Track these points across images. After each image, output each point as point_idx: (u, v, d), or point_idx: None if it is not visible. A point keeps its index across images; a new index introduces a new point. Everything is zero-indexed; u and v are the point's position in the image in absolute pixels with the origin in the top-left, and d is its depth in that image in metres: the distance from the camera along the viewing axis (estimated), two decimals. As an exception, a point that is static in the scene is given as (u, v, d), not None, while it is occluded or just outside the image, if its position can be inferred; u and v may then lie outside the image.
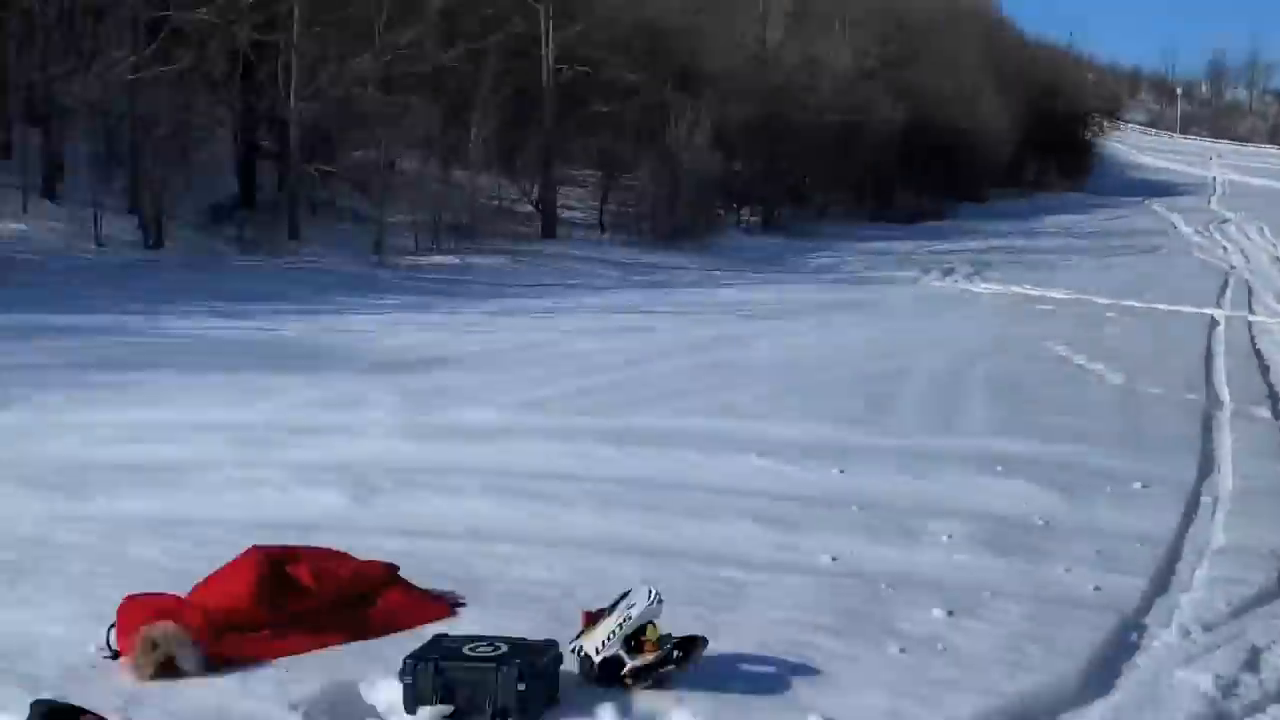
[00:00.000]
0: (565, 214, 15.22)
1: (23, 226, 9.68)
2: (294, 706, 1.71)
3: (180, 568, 2.40)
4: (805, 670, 2.09)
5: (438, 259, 12.11)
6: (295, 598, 2.12)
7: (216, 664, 1.87)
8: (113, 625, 1.96)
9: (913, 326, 8.78)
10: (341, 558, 2.43)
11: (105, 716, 1.53)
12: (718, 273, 13.38)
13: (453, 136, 13.36)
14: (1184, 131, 56.50)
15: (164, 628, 1.89)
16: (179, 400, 5.31)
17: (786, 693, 1.98)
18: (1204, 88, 59.38)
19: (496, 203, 14.23)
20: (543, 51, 13.42)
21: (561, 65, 13.49)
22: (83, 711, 1.53)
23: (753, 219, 17.80)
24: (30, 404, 4.94)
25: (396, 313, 9.10)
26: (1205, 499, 3.72)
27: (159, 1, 10.54)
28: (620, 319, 9.04)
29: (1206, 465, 4.26)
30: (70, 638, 1.99)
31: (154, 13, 10.59)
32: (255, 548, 2.19)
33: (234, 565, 2.12)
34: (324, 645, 2.04)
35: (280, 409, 5.12)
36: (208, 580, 2.13)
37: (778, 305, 10.47)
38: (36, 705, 1.52)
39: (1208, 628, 2.42)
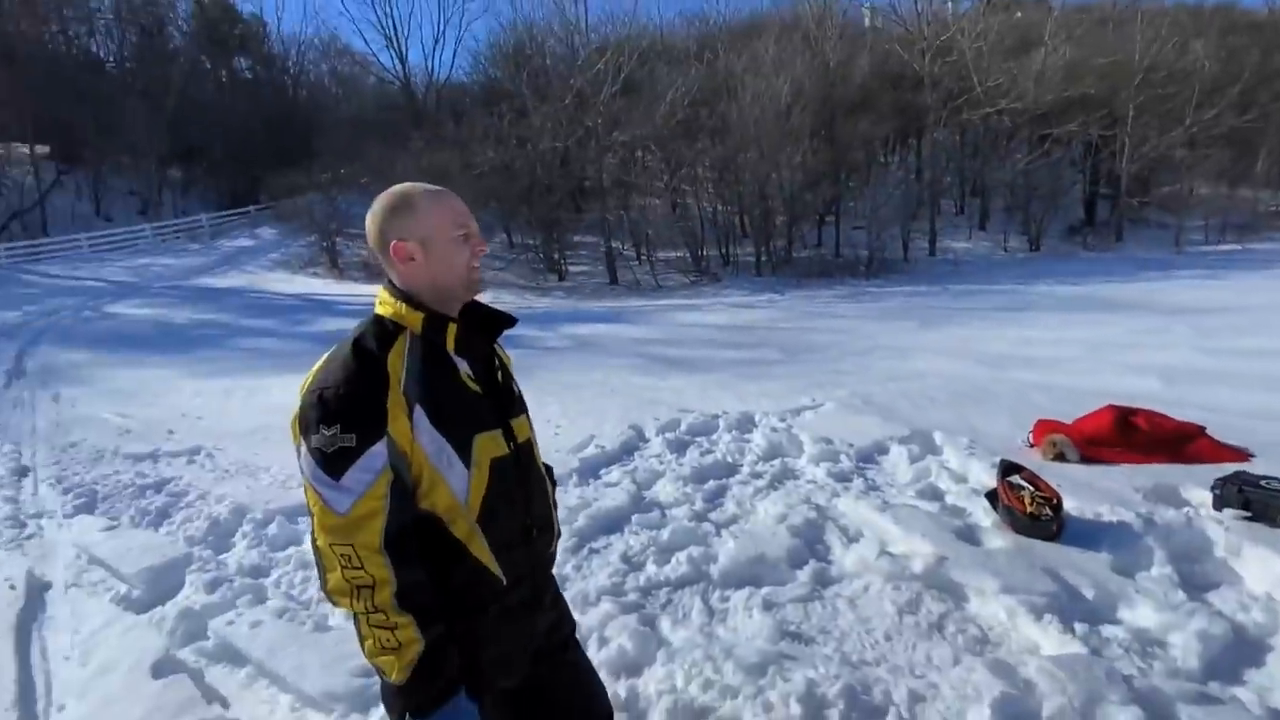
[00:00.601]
0: None
1: (969, 245, 19.45)
2: (1136, 489, 3.39)
3: (1059, 409, 4.43)
4: None
5: (1223, 247, 17.25)
6: (1134, 433, 3.78)
7: (1087, 460, 3.76)
8: (1030, 431, 4.15)
9: None
10: (1164, 417, 3.91)
11: (1036, 474, 3.38)
12: None
13: (1242, 168, 19.73)
14: None
15: (1059, 436, 3.90)
16: (1045, 325, 8.60)
17: None
18: None
19: (1273, 208, 20.12)
20: None
21: None
22: (1023, 468, 3.20)
23: None
24: (977, 325, 8.94)
25: (1185, 281, 11.82)
26: None
27: (1039, 123, 19.16)
28: None
29: None
30: (1008, 433, 4.29)
31: (1039, 131, 19.43)
32: (1110, 405, 3.97)
33: (1098, 412, 3.97)
34: (1151, 462, 3.63)
35: (1110, 334, 7.69)
36: (1082, 418, 4.06)
37: None
38: (1003, 461, 3.35)
39: None
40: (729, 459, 4.19)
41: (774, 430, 4.60)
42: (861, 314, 10.68)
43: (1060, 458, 3.76)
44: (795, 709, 1.97)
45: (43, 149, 26.44)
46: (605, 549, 3.14)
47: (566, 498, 3.67)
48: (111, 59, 31.20)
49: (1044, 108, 18.49)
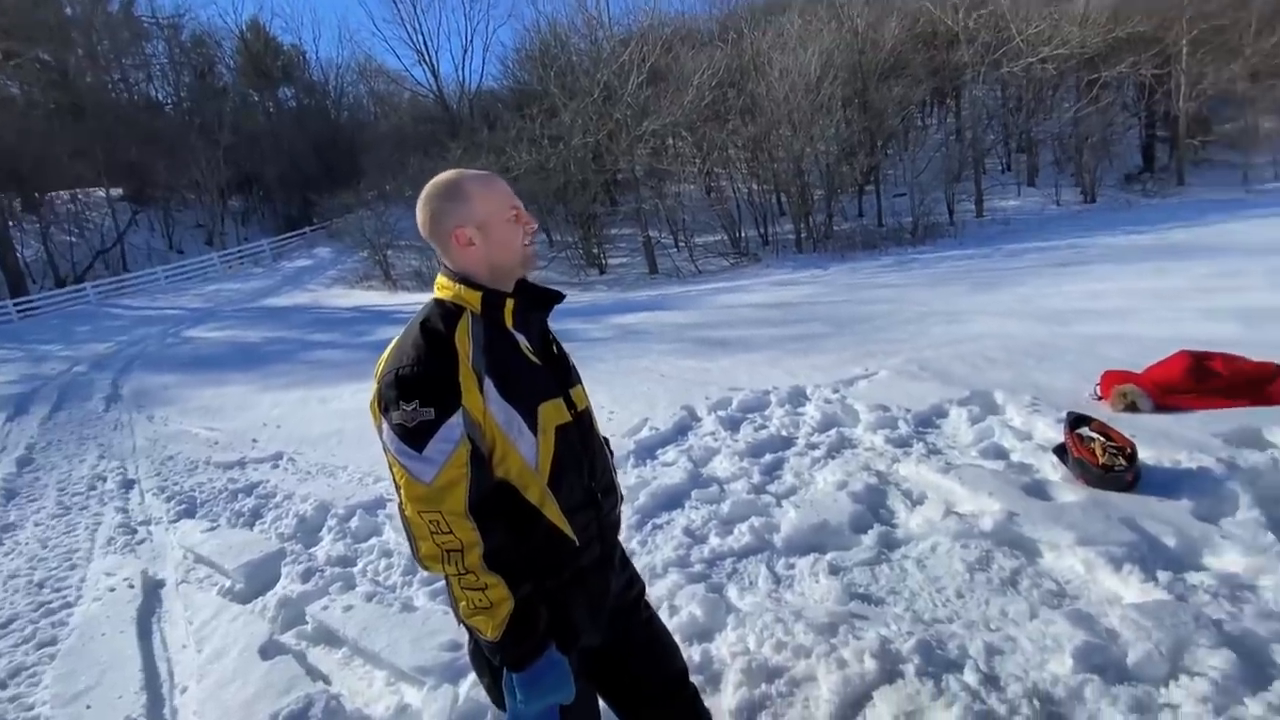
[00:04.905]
0: None
1: (1019, 203, 18.74)
2: (1215, 435, 3.22)
3: (1132, 360, 4.24)
4: None
5: None
6: (1212, 378, 3.60)
7: (1161, 409, 3.61)
8: (1097, 383, 3.99)
9: None
10: (1243, 359, 3.71)
11: (1107, 425, 3.23)
12: None
13: None
14: None
15: (1129, 386, 3.75)
16: (1114, 277, 8.28)
17: None
18: None
19: None
20: None
21: None
22: (1092, 419, 3.02)
23: None
24: (1035, 282, 8.58)
25: (1258, 220, 11.50)
26: None
27: (1086, 68, 18.57)
28: None
29: None
30: (1073, 388, 4.14)
31: (1086, 76, 18.81)
32: (1184, 350, 3.79)
33: (1170, 358, 3.79)
34: (1231, 405, 3.46)
35: (1180, 281, 7.36)
36: (1154, 365, 3.89)
37: None
38: (1070, 413, 3.16)
39: None
40: (784, 433, 4.19)
41: (827, 402, 4.57)
42: (910, 281, 10.40)
43: (1132, 408, 3.61)
44: (870, 664, 1.99)
45: (116, 191, 28.33)
46: (668, 524, 3.21)
47: (625, 478, 3.76)
48: (169, 101, 33.08)
49: (1091, 51, 17.50)
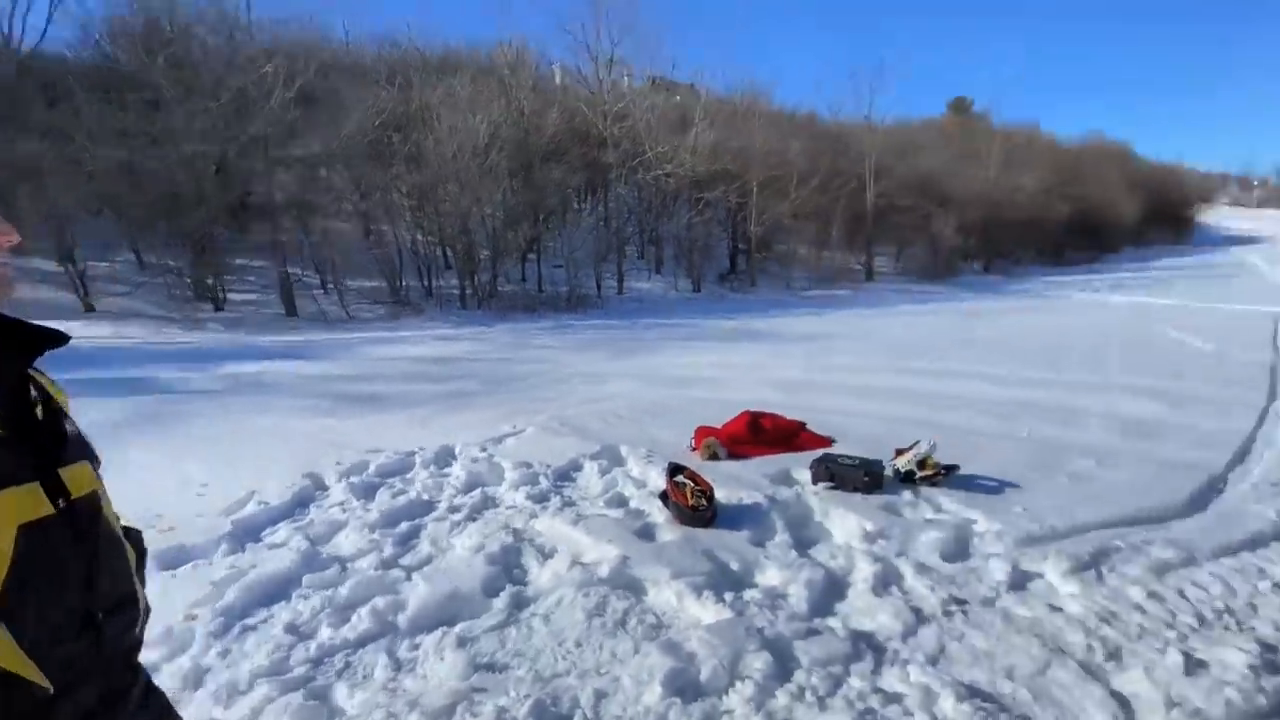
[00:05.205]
0: (878, 269, 28.47)
1: (649, 285, 21.91)
2: (765, 476, 4.25)
3: (718, 417, 5.28)
4: (1011, 485, 3.74)
5: (815, 292, 22.43)
6: (763, 432, 4.73)
7: (733, 457, 4.59)
8: (692, 437, 4.89)
9: (1073, 318, 13.25)
10: (782, 417, 4.98)
11: (696, 472, 4.14)
12: (959, 294, 22.03)
13: (824, 236, 26.70)
14: (1261, 206, 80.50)
15: (712, 439, 4.68)
16: (713, 351, 10.24)
17: (1001, 494, 3.69)
18: (1271, 181, 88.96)
19: (844, 265, 27.69)
20: (867, 193, 27.43)
21: (876, 198, 27.51)
22: (686, 468, 3.99)
23: (978, 266, 31.57)
24: (659, 353, 10.25)
25: (797, 316, 15.77)
26: (1270, 414, 5.52)
27: (696, 188, 23.04)
28: (906, 317, 14.84)
29: (1272, 394, 6.20)
30: (677, 441, 5.00)
31: (695, 194, 23.32)
32: (746, 410, 4.89)
33: (738, 417, 4.86)
34: (775, 453, 4.59)
35: (753, 356, 9.52)
36: (728, 422, 4.93)
37: (992, 308, 16.56)
38: (670, 464, 4.12)
39: (1273, 484, 3.72)
40: (425, 497, 3.94)
41: (474, 461, 4.49)
42: (563, 345, 11.32)
43: (714, 457, 4.47)
44: (485, 742, 1.89)
45: None
46: (265, 623, 2.63)
47: (210, 571, 2.99)
48: None
49: (698, 176, 22.58)
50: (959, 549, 3.19)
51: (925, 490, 3.83)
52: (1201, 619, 2.59)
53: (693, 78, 27.16)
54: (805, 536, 3.43)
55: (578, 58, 22.84)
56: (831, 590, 2.91)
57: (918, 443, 3.98)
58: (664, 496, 3.59)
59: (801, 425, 4.88)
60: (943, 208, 29.33)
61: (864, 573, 2.99)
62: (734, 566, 3.06)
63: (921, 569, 3.00)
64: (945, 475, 3.84)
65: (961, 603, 2.74)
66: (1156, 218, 53.22)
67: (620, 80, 24.87)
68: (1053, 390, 6.42)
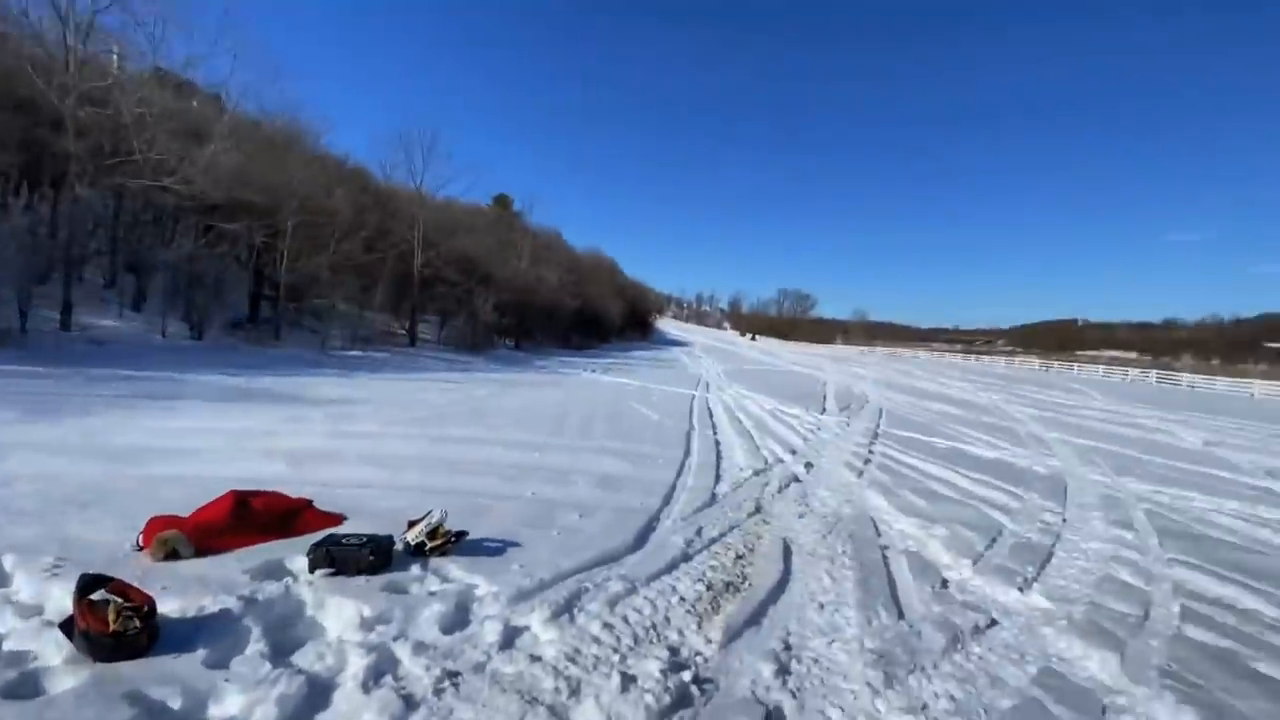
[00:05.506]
0: (421, 335, 29.90)
1: (119, 324, 16.77)
2: (245, 571, 3.47)
3: (189, 501, 4.14)
4: (514, 543, 4.08)
5: (353, 352, 21.83)
6: (253, 515, 3.90)
7: (203, 552, 3.61)
8: (140, 532, 3.69)
9: (575, 393, 15.36)
10: (281, 496, 4.23)
11: (128, 583, 2.98)
12: (493, 366, 23.88)
13: (368, 295, 27.15)
14: (687, 320, 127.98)
15: (172, 532, 3.59)
16: (200, 415, 8.17)
17: (504, 554, 3.94)
18: (694, 303, 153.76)
19: (386, 328, 28.89)
20: (415, 258, 29.46)
21: (423, 268, 29.78)
22: (111, 579, 2.76)
23: (510, 343, 37.04)
24: (114, 415, 7.56)
25: (328, 377, 14.74)
26: (686, 466, 7.40)
27: (208, 214, 19.86)
28: (443, 384, 15.44)
29: (688, 452, 8.25)
30: (115, 540, 3.71)
31: (206, 221, 20.12)
32: (232, 490, 3.96)
33: (219, 499, 3.89)
34: (267, 540, 3.83)
35: (256, 423, 7.96)
36: (202, 507, 3.90)
37: (518, 380, 18.68)
38: (82, 576, 2.77)
39: (683, 518, 5.29)
40: None
41: None
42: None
43: (174, 555, 3.44)
44: None
45: None
46: None
47: None
48: None
49: (213, 200, 18.77)
50: (459, 618, 3.21)
51: (435, 561, 3.77)
52: (636, 638, 3.22)
53: (219, 89, 22.89)
54: (289, 640, 2.88)
55: (37, 7, 16.41)
56: (313, 700, 2.48)
57: (430, 513, 3.94)
58: (67, 625, 2.50)
59: (307, 503, 4.26)
60: (484, 286, 32.32)
61: (355, 668, 2.67)
62: (175, 705, 2.31)
63: (420, 648, 2.87)
64: (455, 543, 3.89)
65: (454, 676, 2.71)
66: (633, 319, 75.33)
67: (107, 55, 19.05)
68: (555, 454, 7.43)
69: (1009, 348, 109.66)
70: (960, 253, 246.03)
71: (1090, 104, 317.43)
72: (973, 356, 67.81)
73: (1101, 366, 44.76)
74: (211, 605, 2.93)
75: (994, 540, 5.13)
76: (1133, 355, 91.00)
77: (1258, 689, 3.01)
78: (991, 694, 2.92)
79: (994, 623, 3.67)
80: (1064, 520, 5.92)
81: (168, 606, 2.82)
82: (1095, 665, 3.24)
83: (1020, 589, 4.14)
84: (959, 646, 3.36)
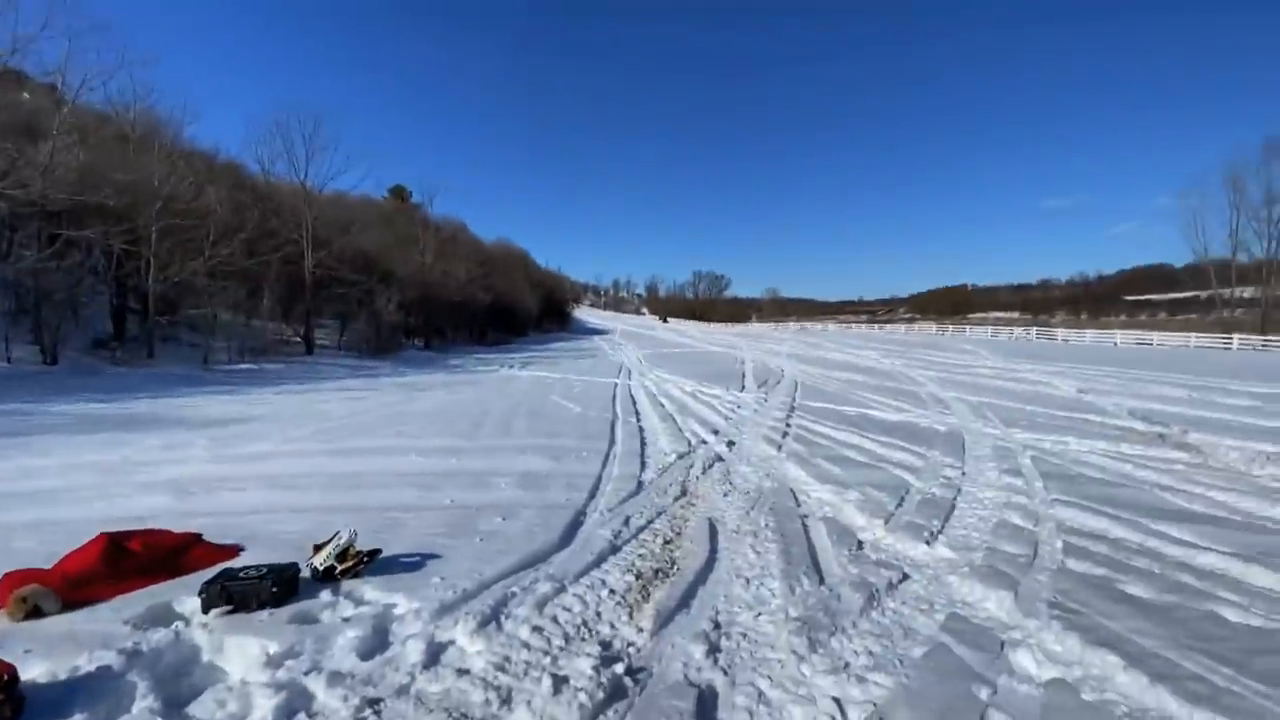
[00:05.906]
0: (319, 341, 28.03)
1: None
2: (126, 621, 3.09)
3: (50, 551, 3.66)
4: (433, 556, 3.91)
5: (243, 366, 20.19)
6: (131, 558, 3.50)
7: (72, 605, 3.18)
8: None
9: (493, 391, 14.99)
10: (164, 532, 3.82)
11: None
12: (401, 369, 23.37)
13: (254, 302, 25.09)
14: (605, 308, 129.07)
15: (32, 587, 3.15)
16: (58, 450, 7.24)
17: (423, 568, 3.76)
18: (612, 290, 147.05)
19: (279, 336, 26.48)
20: (305, 259, 27.44)
21: (315, 268, 27.72)
22: None
23: (419, 343, 35.94)
24: None
25: (214, 395, 13.48)
26: (611, 455, 7.36)
27: (53, 221, 17.65)
28: (346, 393, 14.62)
29: (612, 441, 8.16)
30: None
31: (51, 229, 17.54)
32: (103, 533, 3.53)
33: (87, 545, 3.45)
34: (150, 584, 3.44)
35: (133, 452, 7.19)
36: (68, 555, 3.45)
37: (430, 382, 18.12)
38: None
39: (609, 510, 5.23)
40: None
41: None
42: None
43: (36, 613, 3.03)
44: None
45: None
46: None
47: None
48: None
49: (57, 205, 16.63)
50: (378, 641, 3.03)
51: (347, 584, 3.54)
52: (567, 637, 3.17)
53: (54, 77, 20.15)
54: (184, 691, 2.62)
55: None
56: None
57: (337, 534, 3.69)
58: (-106, 714, 2.14)
59: (196, 538, 3.87)
60: (385, 285, 30.68)
61: (263, 710, 2.46)
62: (43, 786, 2.02)
63: (335, 678, 2.68)
64: (368, 562, 3.67)
65: (375, 703, 2.56)
66: (550, 310, 73.47)
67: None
68: (473, 457, 7.16)
69: (909, 315, 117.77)
70: (863, 227, 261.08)
71: (977, 83, 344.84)
72: (876, 326, 72.05)
73: (989, 327, 48.71)
74: (87, 664, 2.61)
75: (902, 499, 5.47)
76: (1015, 315, 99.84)
77: (1128, 609, 3.38)
78: (905, 644, 3.11)
79: (905, 577, 3.91)
80: (963, 474, 6.41)
81: (33, 672, 2.48)
82: (993, 605, 3.53)
83: (927, 542, 4.44)
84: (875, 604, 3.55)
